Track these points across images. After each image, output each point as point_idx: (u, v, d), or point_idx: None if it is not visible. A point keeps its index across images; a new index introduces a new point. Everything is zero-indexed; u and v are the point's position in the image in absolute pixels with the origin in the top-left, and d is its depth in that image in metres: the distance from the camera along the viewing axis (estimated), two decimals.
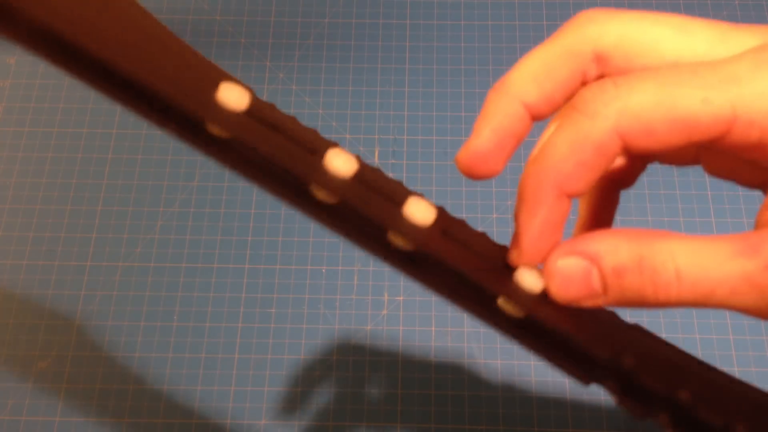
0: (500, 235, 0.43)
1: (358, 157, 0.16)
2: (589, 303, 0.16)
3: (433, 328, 0.42)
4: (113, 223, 0.45)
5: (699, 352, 0.41)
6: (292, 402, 0.40)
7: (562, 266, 0.16)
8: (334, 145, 0.16)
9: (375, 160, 0.45)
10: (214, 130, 0.15)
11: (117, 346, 0.42)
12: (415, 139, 0.46)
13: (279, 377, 0.41)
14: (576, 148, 0.15)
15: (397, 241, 0.16)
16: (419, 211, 0.16)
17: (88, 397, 0.41)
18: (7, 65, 0.49)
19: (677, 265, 0.14)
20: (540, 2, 0.51)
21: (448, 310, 0.42)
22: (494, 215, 0.44)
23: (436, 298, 0.43)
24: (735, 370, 0.40)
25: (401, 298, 0.43)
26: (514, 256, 0.17)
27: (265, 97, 0.48)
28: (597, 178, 0.16)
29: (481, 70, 0.48)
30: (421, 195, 0.17)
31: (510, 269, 0.16)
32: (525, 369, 0.41)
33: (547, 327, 0.15)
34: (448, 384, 0.41)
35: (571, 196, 0.16)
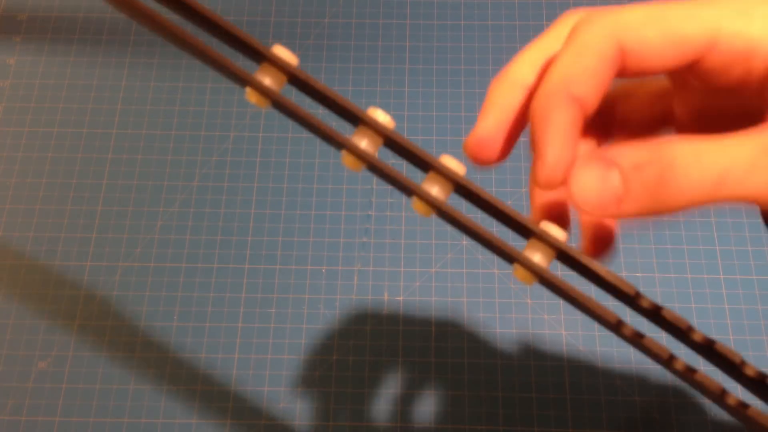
0: (500, 235, 0.43)
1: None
2: (612, 209, 0.16)
3: (433, 329, 0.42)
4: (113, 223, 0.45)
5: None
6: (292, 402, 0.40)
7: (584, 173, 0.16)
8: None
9: None
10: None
11: (117, 345, 0.42)
12: (415, 139, 0.46)
13: (279, 377, 0.41)
14: (579, 53, 0.16)
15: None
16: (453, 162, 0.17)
17: (88, 397, 0.41)
18: (7, 65, 0.49)
19: (696, 149, 0.15)
20: (540, 2, 0.51)
21: (448, 311, 0.42)
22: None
23: (436, 299, 0.43)
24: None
25: (401, 298, 0.43)
26: (538, 173, 0.17)
27: None
28: (603, 85, 0.16)
29: (481, 70, 0.48)
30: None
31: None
32: (525, 369, 0.41)
33: (579, 262, 0.16)
34: (448, 384, 0.41)
35: (582, 105, 0.16)
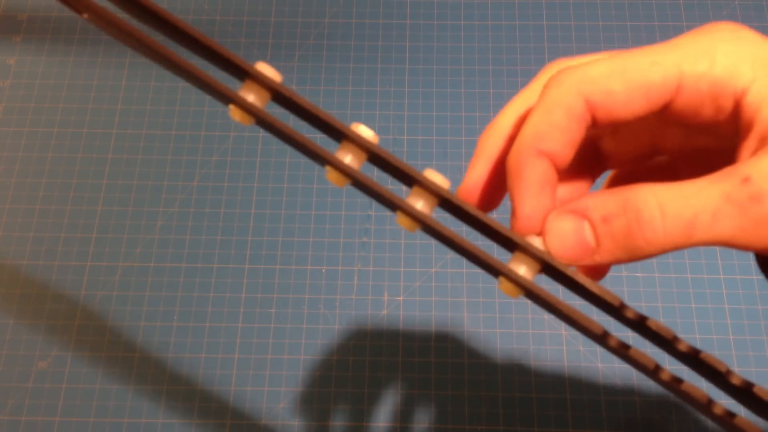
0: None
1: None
2: (587, 260, 0.16)
3: (433, 329, 0.42)
4: (113, 223, 0.45)
5: None
6: (293, 402, 0.40)
7: (556, 226, 0.17)
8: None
9: None
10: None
11: (117, 345, 0.42)
12: (415, 139, 0.46)
13: (279, 377, 0.41)
14: (548, 110, 0.17)
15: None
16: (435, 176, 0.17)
17: (88, 397, 0.41)
18: (7, 65, 0.49)
19: (659, 200, 0.15)
20: (540, 2, 0.50)
21: (448, 310, 0.42)
22: (494, 215, 0.44)
23: (436, 299, 0.43)
24: (735, 371, 0.40)
25: (401, 298, 0.43)
26: (512, 225, 0.18)
27: None
28: (573, 139, 0.17)
29: (481, 70, 0.48)
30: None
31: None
32: (525, 369, 0.41)
33: (564, 277, 0.16)
34: (448, 384, 0.41)
35: (553, 160, 0.17)
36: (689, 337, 0.41)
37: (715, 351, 0.41)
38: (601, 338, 0.16)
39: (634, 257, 0.16)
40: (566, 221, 0.16)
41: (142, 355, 0.41)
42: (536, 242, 0.17)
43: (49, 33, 0.50)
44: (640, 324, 0.16)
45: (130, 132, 0.47)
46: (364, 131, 0.17)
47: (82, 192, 0.46)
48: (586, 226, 0.16)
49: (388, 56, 0.49)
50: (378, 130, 0.47)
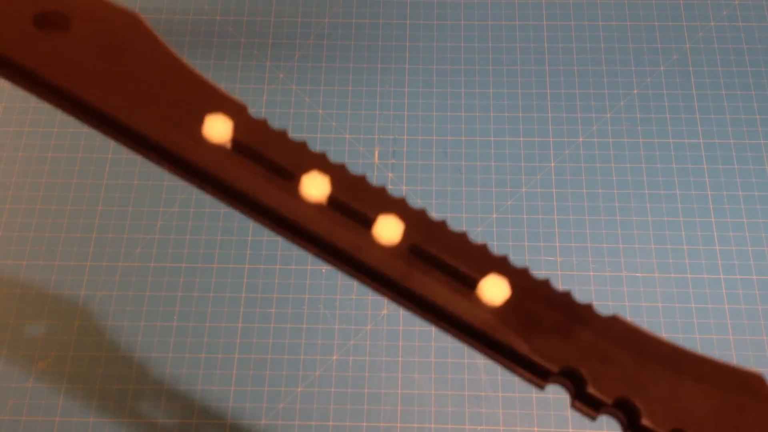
0: (500, 235, 0.43)
1: (334, 174, 0.16)
2: None
3: (433, 329, 0.42)
4: (113, 223, 0.45)
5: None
6: (292, 402, 0.40)
7: None
8: (315, 163, 0.17)
9: (375, 160, 0.46)
10: (199, 163, 0.17)
11: (117, 346, 0.42)
12: (415, 139, 0.46)
13: (279, 377, 0.41)
14: None
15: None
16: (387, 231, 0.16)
17: (88, 397, 0.41)
18: None
19: None
20: (540, 2, 0.50)
21: None
22: (494, 215, 0.44)
23: None
24: None
25: None
26: None
27: (264, 98, 0.48)
28: None
29: (481, 70, 0.48)
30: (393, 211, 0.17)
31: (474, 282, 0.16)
32: None
33: (502, 341, 0.16)
34: (448, 384, 0.41)
35: None
36: (689, 337, 0.41)
37: (715, 351, 0.41)
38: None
39: None
40: None
41: (143, 355, 0.41)
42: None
43: None
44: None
45: None
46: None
47: (82, 192, 0.46)
48: None
49: (388, 56, 0.49)
50: (378, 130, 0.47)
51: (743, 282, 0.43)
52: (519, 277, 0.16)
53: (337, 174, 0.16)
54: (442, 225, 0.17)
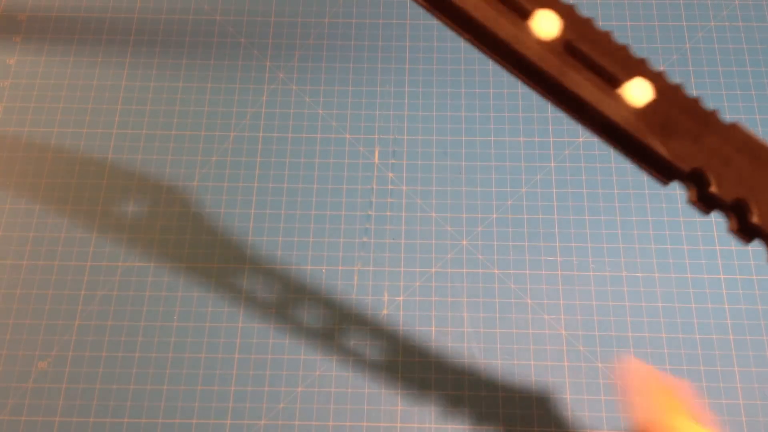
0: (500, 235, 0.43)
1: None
2: None
3: (433, 328, 0.42)
4: (113, 223, 0.45)
5: (699, 352, 0.41)
6: (292, 402, 0.40)
7: None
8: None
9: (375, 160, 0.46)
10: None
11: (117, 346, 0.42)
12: (415, 139, 0.46)
13: (279, 377, 0.41)
14: None
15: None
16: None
17: (88, 397, 0.41)
18: (7, 65, 0.49)
19: None
20: None
21: (448, 310, 0.42)
22: (494, 215, 0.44)
23: (436, 299, 0.43)
24: (735, 370, 0.40)
25: (401, 298, 0.43)
26: None
27: (264, 98, 0.48)
28: None
29: (481, 70, 0.48)
30: None
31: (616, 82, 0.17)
32: (525, 369, 0.41)
33: (642, 141, 0.16)
34: (448, 384, 0.41)
35: None
36: (689, 337, 0.41)
37: (715, 351, 0.41)
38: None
39: None
40: None
41: (142, 355, 0.41)
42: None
43: (49, 33, 0.50)
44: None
45: (130, 132, 0.47)
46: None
47: (82, 192, 0.46)
48: None
49: (388, 56, 0.49)
50: (378, 130, 0.47)
51: (743, 282, 0.43)
52: (659, 81, 0.17)
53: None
54: (590, 23, 0.18)
